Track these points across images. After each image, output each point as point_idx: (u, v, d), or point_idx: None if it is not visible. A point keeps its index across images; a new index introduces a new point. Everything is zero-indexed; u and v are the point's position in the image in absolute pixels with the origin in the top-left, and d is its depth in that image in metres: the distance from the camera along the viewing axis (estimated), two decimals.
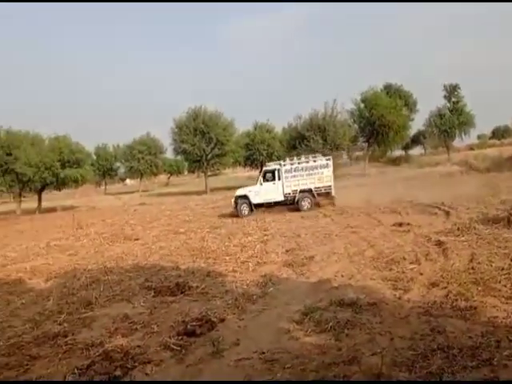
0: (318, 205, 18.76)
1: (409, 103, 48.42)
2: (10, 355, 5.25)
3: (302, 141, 32.02)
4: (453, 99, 53.05)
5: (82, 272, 9.39)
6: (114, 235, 15.56)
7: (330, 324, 5.17)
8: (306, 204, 18.67)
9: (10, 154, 33.85)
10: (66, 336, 5.69)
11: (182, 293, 7.26)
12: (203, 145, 41.11)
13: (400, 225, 11.86)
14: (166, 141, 53.10)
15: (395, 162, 52.37)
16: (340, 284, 7.03)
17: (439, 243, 9.05)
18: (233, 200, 19.29)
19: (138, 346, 5.08)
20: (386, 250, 8.93)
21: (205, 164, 42.45)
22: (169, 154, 55.87)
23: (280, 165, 19.43)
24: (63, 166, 35.73)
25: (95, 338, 5.51)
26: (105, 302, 7.13)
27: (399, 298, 6.04)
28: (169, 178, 78.22)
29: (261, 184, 19.14)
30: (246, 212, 18.72)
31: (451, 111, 52.39)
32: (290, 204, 18.96)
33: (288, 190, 18.92)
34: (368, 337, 4.78)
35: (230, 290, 7.29)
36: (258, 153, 46.73)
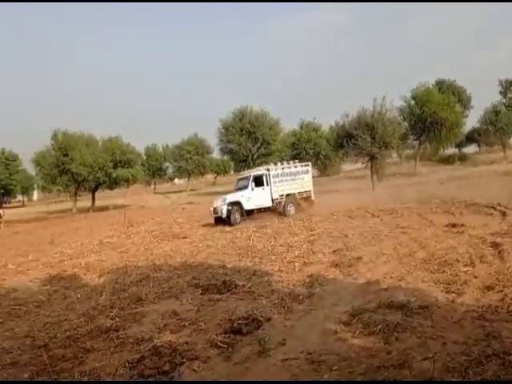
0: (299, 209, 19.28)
1: (462, 99, 46.52)
2: (66, 347, 5.48)
3: (349, 139, 31.44)
4: (509, 95, 50.53)
5: (133, 269, 9.69)
6: (162, 233, 15.98)
7: (379, 326, 5.03)
8: (292, 209, 18.93)
9: (66, 155, 35.53)
10: (117, 330, 5.88)
11: (228, 291, 7.32)
12: (249, 144, 41.38)
13: (453, 225, 11.40)
14: (212, 141, 53.89)
15: (448, 160, 50.57)
16: (389, 286, 6.83)
17: (495, 245, 8.62)
18: (213, 208, 18.14)
19: (186, 343, 5.16)
20: (439, 252, 8.60)
21: (251, 163, 42.65)
22: (215, 154, 56.70)
23: (268, 170, 19.39)
24: (115, 166, 37.10)
25: (145, 333, 5.66)
26: (154, 298, 7.32)
27: (452, 302, 5.80)
28: (215, 177, 79.28)
29: (252, 189, 18.48)
30: (239, 220, 17.87)
31: (507, 107, 49.90)
32: (276, 209, 18.87)
33: (276, 196, 18.96)
34: (419, 341, 4.61)
35: (276, 289, 7.27)
36: (305, 152, 46.47)
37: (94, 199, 39.31)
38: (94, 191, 39.47)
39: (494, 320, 4.98)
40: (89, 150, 35.95)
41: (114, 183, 38.64)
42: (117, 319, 6.36)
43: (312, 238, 12.06)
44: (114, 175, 36.75)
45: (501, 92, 51.90)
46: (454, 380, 3.75)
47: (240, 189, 18.85)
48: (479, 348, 4.28)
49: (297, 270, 8.62)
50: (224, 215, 17.56)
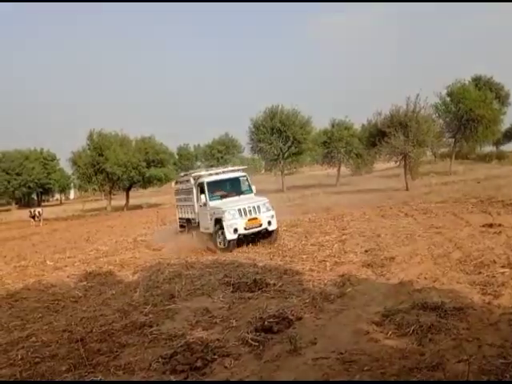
0: None
1: (500, 96, 44.97)
2: (102, 342, 5.64)
3: (382, 138, 30.96)
4: None
5: (166, 266, 9.87)
6: None
7: (412, 328, 4.96)
8: None
9: (101, 155, 36.43)
10: (151, 326, 6.01)
11: (259, 289, 7.35)
12: (280, 143, 41.30)
13: (490, 226, 11.06)
14: (243, 140, 54.12)
15: (485, 158, 49.03)
16: (423, 287, 6.70)
17: None
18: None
19: (218, 340, 5.22)
20: (475, 253, 8.37)
21: (282, 162, 42.61)
22: (246, 153, 56.92)
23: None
24: (148, 166, 37.79)
25: (178, 329, 5.77)
26: (186, 295, 7.43)
27: (488, 304, 5.64)
28: None
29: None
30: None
31: None
32: None
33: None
34: (453, 343, 4.52)
35: (306, 288, 7.25)
36: (336, 150, 45.97)
37: (127, 198, 40.14)
38: (127, 190, 40.29)
39: None
40: (123, 149, 36.76)
41: (147, 182, 39.40)
42: (150, 315, 6.51)
43: (344, 237, 11.95)
44: (147, 174, 37.47)
45: None
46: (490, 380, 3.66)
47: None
48: None
49: (328, 269, 8.57)
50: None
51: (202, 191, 12.89)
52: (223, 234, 11.75)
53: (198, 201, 13.21)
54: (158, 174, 37.84)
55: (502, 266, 7.28)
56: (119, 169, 35.67)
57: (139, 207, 37.96)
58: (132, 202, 41.15)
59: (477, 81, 43.81)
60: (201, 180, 13.24)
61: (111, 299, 7.77)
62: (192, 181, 13.61)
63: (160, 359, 4.84)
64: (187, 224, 14.39)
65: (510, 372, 3.78)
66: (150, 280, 8.85)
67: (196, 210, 13.48)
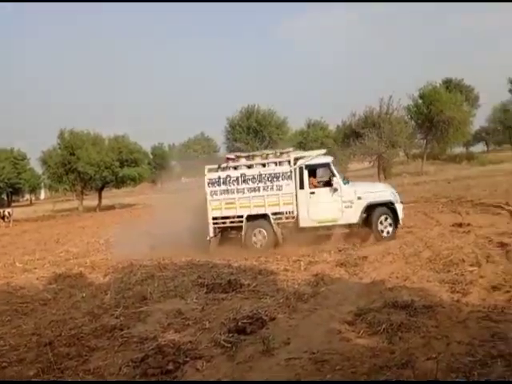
0: None
1: (470, 98, 46.21)
2: (71, 345, 5.49)
3: (356, 138, 31.45)
4: None
5: (138, 268, 9.72)
6: None
7: (383, 326, 5.01)
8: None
9: (73, 154, 35.73)
10: (122, 329, 5.90)
11: (233, 290, 7.32)
12: (256, 143, 41.37)
13: (459, 225, 11.33)
14: (219, 140, 53.97)
15: (455, 159, 50.24)
16: (394, 285, 6.81)
17: (502, 245, 8.57)
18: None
19: (190, 342, 5.16)
20: (444, 252, 8.56)
21: None
22: (222, 153, 56.73)
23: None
24: (122, 165, 37.24)
25: (149, 332, 5.67)
26: (159, 297, 7.32)
27: (457, 302, 5.77)
28: None
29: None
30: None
31: None
32: None
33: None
34: (423, 341, 4.59)
35: (281, 288, 7.27)
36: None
37: (100, 198, 39.48)
38: (100, 190, 39.63)
39: (500, 321, 4.94)
40: (95, 148, 36.12)
41: (120, 182, 38.82)
42: (121, 318, 6.39)
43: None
44: (120, 174, 36.92)
45: (510, 90, 51.47)
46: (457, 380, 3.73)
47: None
48: (484, 349, 4.25)
49: (302, 269, 8.62)
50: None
51: (312, 175, 11.21)
52: (387, 220, 10.81)
53: (301, 188, 11.02)
54: (132, 173, 37.33)
55: (471, 265, 7.46)
56: (91, 168, 35.03)
57: (112, 208, 37.41)
58: (105, 202, 40.49)
59: (447, 83, 44.93)
60: (314, 161, 11.32)
61: (81, 302, 7.60)
62: (286, 164, 11.18)
63: (130, 363, 4.74)
64: (250, 222, 11.18)
65: (477, 369, 3.85)
66: (122, 282, 8.70)
67: (298, 200, 11.04)
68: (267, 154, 11.83)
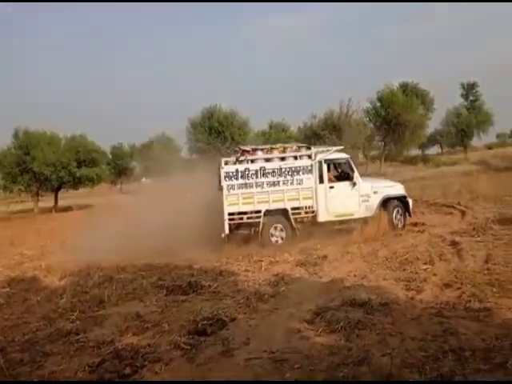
0: None
1: (425, 102, 47.78)
2: (25, 351, 5.31)
3: (317, 140, 31.86)
4: (470, 97, 52.33)
5: (96, 270, 9.47)
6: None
7: (341, 324, 5.12)
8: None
9: (27, 154, 34.45)
10: (78, 334, 5.75)
11: (194, 292, 7.27)
12: (218, 144, 41.21)
13: (415, 224, 11.72)
14: (180, 140, 53.40)
15: (412, 161, 51.78)
16: (352, 284, 6.97)
17: (454, 243, 8.94)
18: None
19: (149, 345, 5.08)
20: (400, 250, 8.84)
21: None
22: (184, 153, 56.19)
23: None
24: (79, 165, 36.21)
25: (106, 336, 5.55)
26: (117, 300, 7.17)
27: (412, 299, 5.97)
28: (184, 176, 78.33)
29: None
30: None
31: (468, 110, 51.68)
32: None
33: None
34: (379, 337, 4.72)
35: (241, 289, 7.29)
36: None
37: (56, 199, 38.24)
38: (56, 191, 38.37)
39: (452, 317, 5.15)
40: (51, 148, 34.95)
41: (78, 183, 37.68)
42: (77, 322, 6.22)
43: None
44: (77, 174, 35.86)
45: (462, 95, 53.66)
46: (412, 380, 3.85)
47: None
48: (436, 344, 4.42)
49: (263, 269, 8.67)
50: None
51: (328, 169, 11.30)
52: (398, 212, 11.36)
53: (320, 182, 11.02)
54: (90, 174, 36.31)
55: (425, 263, 7.73)
56: (47, 168, 33.85)
57: (69, 209, 36.29)
58: (61, 203, 39.23)
59: (404, 87, 46.22)
60: (334, 156, 11.45)
61: (36, 306, 7.35)
62: (306, 158, 11.06)
63: (86, 368, 4.63)
64: (268, 217, 10.86)
65: (430, 364, 4.00)
66: (78, 285, 8.46)
67: (318, 194, 10.99)
68: (284, 148, 11.56)
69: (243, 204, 10.80)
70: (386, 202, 11.30)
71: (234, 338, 5.09)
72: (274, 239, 10.90)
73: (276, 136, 47.14)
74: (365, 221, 11.03)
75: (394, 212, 11.35)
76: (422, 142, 50.72)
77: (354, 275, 7.51)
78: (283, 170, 10.88)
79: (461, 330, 4.70)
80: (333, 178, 11.48)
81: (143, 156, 58.59)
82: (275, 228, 10.92)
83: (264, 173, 10.83)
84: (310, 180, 10.92)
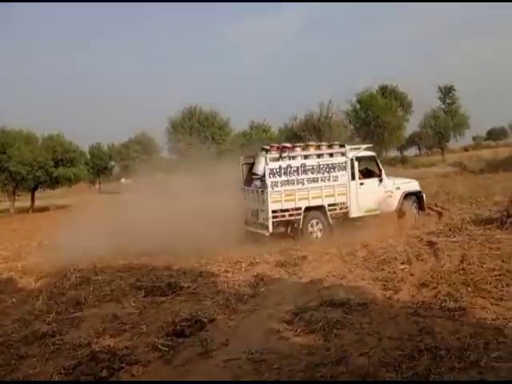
0: None
1: (404, 104, 48.53)
2: None
3: (297, 141, 32.05)
4: (448, 101, 53.35)
5: (73, 272, 9.31)
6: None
7: (320, 324, 5.16)
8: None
9: (4, 153, 33.72)
10: (53, 336, 5.64)
11: (173, 293, 7.21)
12: (199, 144, 41.06)
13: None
14: (161, 140, 53.01)
15: (391, 162, 52.47)
16: (331, 284, 7.03)
17: (431, 244, 9.09)
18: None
19: (126, 347, 5.03)
20: (378, 251, 8.95)
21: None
22: (164, 154, 55.79)
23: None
24: (57, 165, 35.60)
25: (83, 338, 5.46)
26: (94, 302, 7.06)
27: (389, 299, 6.05)
28: (164, 177, 77.94)
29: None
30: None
31: (446, 112, 52.68)
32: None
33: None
34: (357, 337, 4.77)
35: (221, 290, 7.26)
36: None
37: (33, 199, 37.49)
38: (33, 191, 37.64)
39: (428, 316, 5.23)
40: (28, 147, 34.28)
41: (55, 182, 37.02)
42: (53, 324, 6.11)
43: None
44: (55, 174, 35.22)
45: (440, 98, 54.68)
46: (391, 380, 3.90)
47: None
48: (413, 343, 4.49)
49: (243, 270, 8.65)
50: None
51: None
52: (415, 206, 12.15)
53: (352, 179, 11.30)
54: (67, 173, 35.68)
55: (402, 263, 7.85)
56: (24, 168, 33.16)
57: (46, 209, 35.64)
58: (38, 203, 38.48)
59: (383, 90, 46.86)
60: (363, 154, 11.98)
61: (11, 308, 7.19)
62: (340, 155, 11.34)
63: (62, 370, 4.55)
64: (307, 214, 10.85)
65: (406, 363, 4.05)
66: (55, 287, 8.30)
67: (350, 190, 11.26)
68: (319, 145, 11.81)
69: (285, 201, 10.75)
70: (405, 198, 11.97)
71: (213, 339, 5.07)
72: (313, 236, 10.96)
73: (257, 137, 47.22)
74: (390, 215, 11.57)
75: (412, 207, 12.06)
76: (400, 143, 51.48)
77: (333, 275, 7.57)
78: (321, 166, 11.04)
79: (436, 329, 4.78)
80: (361, 175, 11.83)
81: (122, 156, 57.95)
82: (313, 224, 11.02)
83: (304, 170, 10.91)
84: (344, 177, 11.19)
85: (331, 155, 11.29)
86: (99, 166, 61.58)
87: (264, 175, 10.78)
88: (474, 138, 76.02)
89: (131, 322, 5.97)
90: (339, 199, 11.16)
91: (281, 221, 10.79)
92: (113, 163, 63.41)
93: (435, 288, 6.22)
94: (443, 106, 54.44)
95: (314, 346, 4.66)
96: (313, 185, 10.93)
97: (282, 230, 10.95)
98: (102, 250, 11.18)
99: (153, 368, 4.51)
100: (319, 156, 11.21)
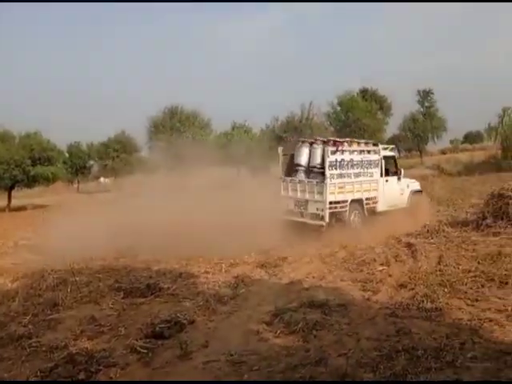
0: None
1: (383, 107, 49.15)
2: None
3: (278, 142, 32.13)
4: (426, 104, 54.23)
5: (50, 273, 9.14)
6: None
7: (299, 325, 5.19)
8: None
9: None
10: (30, 338, 5.53)
11: (152, 294, 7.14)
12: (180, 144, 40.83)
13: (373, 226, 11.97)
14: (141, 140, 52.48)
15: None
16: (311, 285, 7.07)
17: (409, 245, 9.22)
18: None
19: (104, 350, 4.96)
20: (358, 252, 9.04)
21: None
22: (145, 153, 55.26)
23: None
24: (34, 164, 34.96)
25: (60, 340, 5.36)
26: (72, 303, 6.93)
27: (368, 300, 6.12)
28: (144, 176, 77.38)
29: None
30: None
31: (424, 115, 53.53)
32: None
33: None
34: (335, 338, 4.82)
35: (201, 291, 7.22)
36: (236, 153, 46.64)
37: (10, 198, 36.74)
38: (10, 190, 36.89)
39: (405, 317, 5.32)
40: (4, 146, 33.59)
41: (32, 181, 36.35)
42: (30, 326, 5.98)
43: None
44: (32, 173, 34.57)
45: (419, 101, 55.51)
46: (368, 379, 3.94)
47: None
48: (390, 344, 4.55)
49: (223, 271, 8.63)
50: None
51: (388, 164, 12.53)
52: None
53: (381, 175, 12.14)
54: (45, 172, 35.04)
55: (381, 264, 7.95)
56: (0, 166, 32.54)
57: (23, 208, 34.95)
58: (15, 202, 37.70)
59: (364, 92, 47.37)
60: (388, 153, 12.96)
61: None
62: (374, 153, 12.11)
63: (39, 373, 4.47)
64: (351, 205, 11.41)
65: (383, 363, 4.11)
66: (32, 288, 8.13)
67: (380, 186, 12.09)
68: (359, 142, 12.40)
69: (337, 193, 11.21)
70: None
71: (193, 341, 5.05)
72: (353, 226, 11.38)
73: (238, 137, 47.18)
74: (405, 210, 12.36)
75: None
76: None
77: (313, 276, 7.62)
78: (363, 162, 11.74)
79: (414, 329, 4.86)
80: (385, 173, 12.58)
81: (101, 155, 57.17)
82: (354, 215, 11.57)
83: (352, 164, 11.47)
84: (377, 173, 12.03)
85: (369, 152, 12.02)
86: (78, 165, 60.60)
87: (309, 166, 11.48)
88: (452, 141, 77.47)
89: (109, 323, 5.89)
90: (372, 194, 11.90)
91: (332, 212, 11.13)
92: (92, 162, 62.48)
93: (413, 289, 6.32)
94: (422, 110, 55.26)
95: (294, 347, 4.68)
96: (356, 179, 11.54)
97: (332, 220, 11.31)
98: (83, 250, 11.02)
99: (131, 370, 4.46)
100: (361, 152, 11.82)
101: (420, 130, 52.62)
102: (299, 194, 11.48)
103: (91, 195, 47.45)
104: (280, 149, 12.44)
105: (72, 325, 5.93)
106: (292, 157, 11.94)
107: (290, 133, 31.34)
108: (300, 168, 11.62)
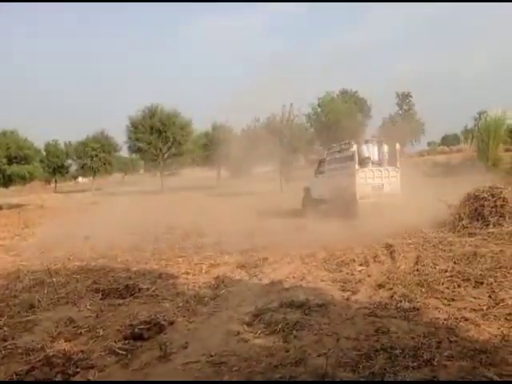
0: None
1: (363, 109, 49.76)
2: None
3: (259, 143, 32.18)
4: (404, 107, 55.14)
5: (26, 273, 8.97)
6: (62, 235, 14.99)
7: (280, 325, 5.20)
8: None
9: None
10: (5, 340, 5.41)
11: (131, 295, 7.06)
12: (160, 144, 40.56)
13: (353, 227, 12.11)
14: (120, 139, 51.97)
15: None
16: (291, 285, 7.09)
17: (387, 246, 9.34)
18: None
19: (82, 351, 4.88)
20: (338, 252, 9.10)
21: (161, 163, 41.85)
22: (124, 153, 54.75)
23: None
24: (10, 162, 34.25)
25: (36, 342, 5.26)
26: (48, 305, 6.82)
27: (347, 299, 6.17)
28: (124, 176, 76.67)
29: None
30: None
31: (402, 118, 54.43)
32: None
33: None
34: (315, 338, 4.84)
35: (181, 292, 7.18)
36: (216, 153, 46.54)
37: None
38: None
39: (384, 316, 5.37)
40: None
41: (8, 180, 35.62)
42: (5, 328, 5.85)
43: (221, 238, 12.09)
44: (8, 172, 33.89)
45: (397, 104, 56.41)
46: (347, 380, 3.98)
47: None
48: (369, 343, 4.59)
49: (204, 271, 8.60)
50: None
51: None
52: None
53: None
54: (21, 171, 34.39)
55: (360, 264, 8.03)
56: None
57: None
58: None
59: (344, 94, 47.87)
60: None
61: None
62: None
63: (14, 376, 4.37)
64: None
65: (363, 363, 4.15)
66: (7, 289, 7.97)
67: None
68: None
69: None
70: None
71: (172, 342, 5.01)
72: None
73: (219, 137, 47.06)
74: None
75: None
76: None
77: (293, 277, 7.64)
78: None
79: (392, 329, 4.92)
80: None
81: (79, 154, 56.31)
82: None
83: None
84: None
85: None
86: (55, 164, 59.65)
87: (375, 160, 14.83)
88: (429, 144, 78.81)
89: (87, 325, 5.79)
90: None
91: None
92: (69, 161, 61.55)
93: (391, 289, 6.39)
94: (400, 112, 56.19)
95: (274, 347, 4.68)
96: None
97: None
98: (57, 251, 10.85)
99: (109, 372, 4.40)
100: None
101: (398, 132, 53.46)
102: (376, 180, 14.30)
103: (68, 195, 46.70)
104: (354, 146, 14.43)
105: (49, 326, 5.82)
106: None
107: (270, 133, 31.41)
108: (368, 161, 14.60)
